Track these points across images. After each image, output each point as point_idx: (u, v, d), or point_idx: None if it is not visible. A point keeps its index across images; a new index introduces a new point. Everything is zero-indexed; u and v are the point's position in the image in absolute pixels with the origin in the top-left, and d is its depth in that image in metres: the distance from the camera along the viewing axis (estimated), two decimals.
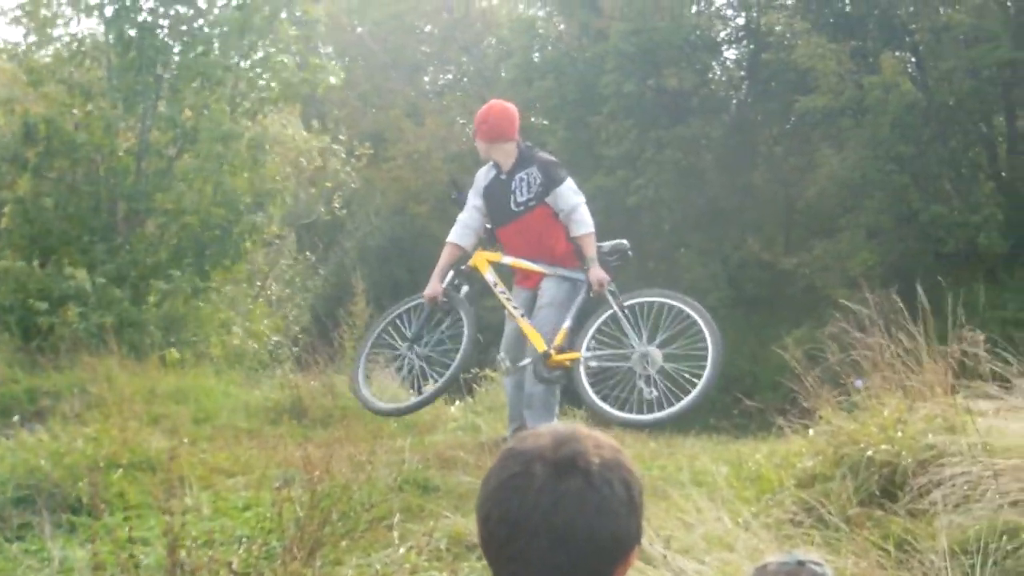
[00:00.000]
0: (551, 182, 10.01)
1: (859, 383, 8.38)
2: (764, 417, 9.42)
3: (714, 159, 41.39)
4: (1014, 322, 11.13)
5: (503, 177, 10.19)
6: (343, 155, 30.11)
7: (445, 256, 10.48)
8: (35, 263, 18.12)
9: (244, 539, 7.42)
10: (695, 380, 9.50)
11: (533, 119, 41.12)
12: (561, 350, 9.86)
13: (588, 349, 9.85)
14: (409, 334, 10.63)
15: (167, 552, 5.83)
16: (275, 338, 22.78)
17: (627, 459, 2.57)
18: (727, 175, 40.73)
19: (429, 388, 10.64)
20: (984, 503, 6.46)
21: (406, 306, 10.84)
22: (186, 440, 10.07)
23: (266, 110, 20.73)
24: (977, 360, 7.74)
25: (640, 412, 9.66)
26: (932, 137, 36.45)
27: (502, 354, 10.26)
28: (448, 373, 10.31)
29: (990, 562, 5.87)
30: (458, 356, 10.22)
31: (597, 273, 9.83)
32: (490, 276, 10.30)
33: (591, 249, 9.89)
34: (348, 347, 14.64)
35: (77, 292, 17.22)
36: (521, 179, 10.07)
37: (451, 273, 10.46)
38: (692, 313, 9.81)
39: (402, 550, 7.21)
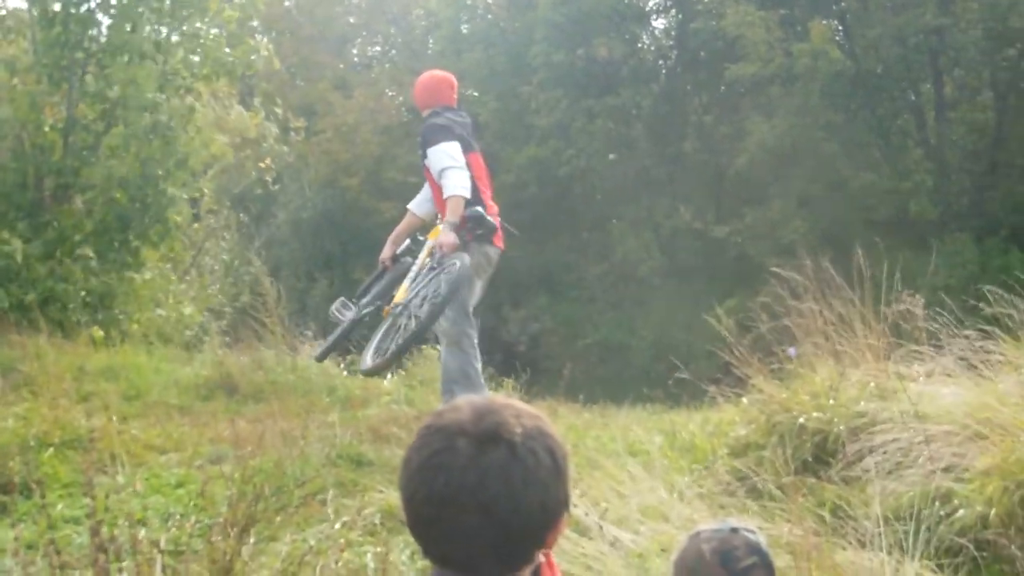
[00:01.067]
0: (424, 144, 9.96)
1: (792, 351, 8.40)
2: (697, 387, 9.43)
3: (644, 128, 41.51)
4: (944, 288, 11.20)
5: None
6: (276, 130, 30.00)
7: (402, 223, 10.56)
8: None
9: (176, 516, 7.36)
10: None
11: (464, 91, 40.95)
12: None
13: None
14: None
15: (91, 532, 5.76)
16: (202, 316, 22.64)
17: (548, 425, 2.55)
18: (658, 144, 40.87)
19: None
20: (916, 469, 6.49)
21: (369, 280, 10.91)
22: (116, 418, 10.00)
23: (196, 87, 20.53)
24: (914, 322, 7.77)
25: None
26: (860, 105, 36.74)
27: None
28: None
29: (923, 528, 5.89)
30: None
31: (443, 236, 9.67)
32: (431, 241, 10.24)
33: (452, 213, 9.78)
34: (269, 324, 14.52)
35: (4, 266, 17.03)
36: (419, 142, 10.11)
37: (408, 241, 10.46)
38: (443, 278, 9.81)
39: (336, 525, 7.17)
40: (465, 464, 2.40)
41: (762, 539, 3.60)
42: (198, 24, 20.09)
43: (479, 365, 10.05)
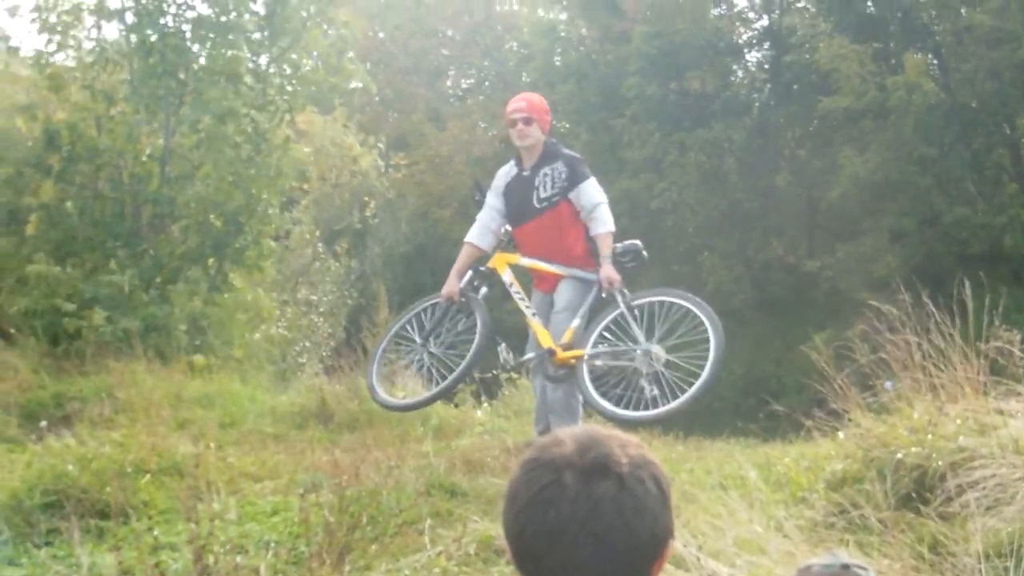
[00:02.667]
0: (576, 177, 9.95)
1: (889, 385, 8.34)
2: (791, 420, 9.37)
3: (737, 162, 41.42)
4: None
5: (526, 173, 10.11)
6: (381, 166, 30.27)
7: (463, 256, 10.47)
8: (63, 268, 18.10)
9: (272, 544, 7.42)
10: (697, 374, 9.47)
11: (555, 123, 41.03)
12: (568, 348, 9.83)
13: (593, 347, 9.82)
14: (424, 332, 10.64)
15: (194, 558, 5.82)
16: (304, 343, 22.79)
17: (651, 454, 2.54)
18: (750, 178, 40.76)
19: (438, 386, 10.60)
20: (1016, 505, 6.43)
21: (423, 305, 10.87)
22: (213, 445, 10.08)
23: (293, 114, 20.71)
24: (1011, 359, 7.70)
25: (640, 409, 9.59)
26: (955, 139, 36.43)
27: (503, 344, 10.27)
28: (457, 371, 10.27)
29: (1023, 564, 5.84)
30: (468, 355, 10.19)
31: (608, 272, 9.75)
32: (506, 276, 10.27)
33: (607, 248, 9.83)
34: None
35: (108, 295, 17.24)
36: (545, 174, 10.02)
37: (470, 273, 10.44)
38: (694, 309, 9.77)
39: (431, 555, 7.20)
40: (575, 497, 2.38)
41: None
42: (294, 55, 20.28)
43: (582, 399, 10.07)
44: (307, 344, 23.35)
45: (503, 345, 10.30)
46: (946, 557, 6.17)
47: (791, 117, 41.91)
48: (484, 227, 10.39)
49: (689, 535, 6.61)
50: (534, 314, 10.09)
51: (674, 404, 9.39)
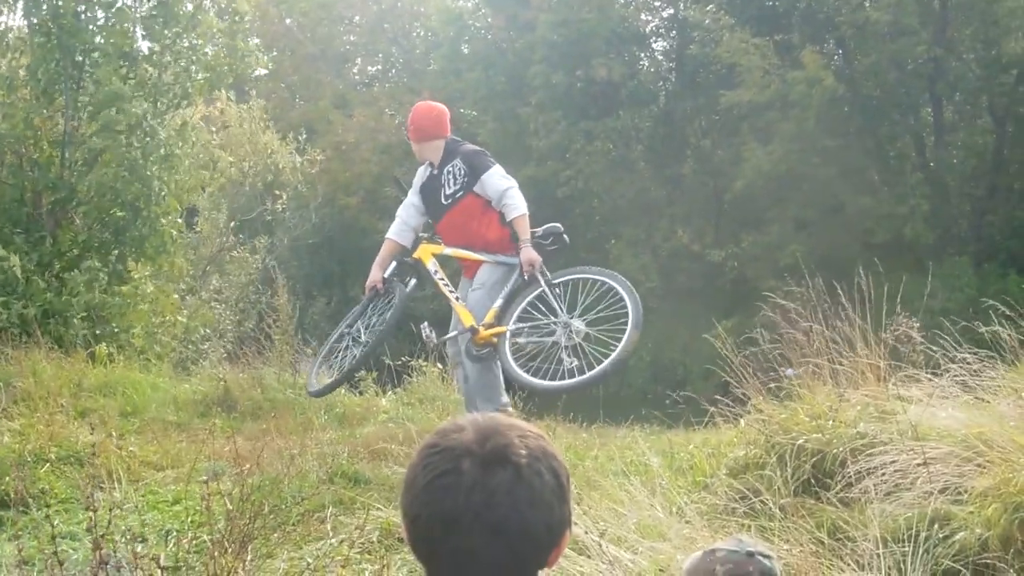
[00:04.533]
0: (475, 171, 10.05)
1: (791, 371, 8.39)
2: (696, 407, 9.42)
3: (644, 150, 41.64)
4: (942, 311, 11.21)
5: (435, 172, 10.24)
6: (298, 161, 30.21)
7: (383, 250, 10.59)
8: None
9: (173, 533, 7.36)
10: (615, 347, 9.54)
11: (462, 110, 41.21)
12: (489, 327, 9.89)
13: (515, 323, 9.88)
14: (352, 321, 10.69)
15: (93, 547, 5.75)
16: (206, 330, 22.65)
17: (551, 445, 2.54)
18: (656, 166, 40.98)
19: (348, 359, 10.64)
20: (914, 491, 6.48)
21: (355, 309, 10.91)
22: (114, 434, 9.98)
23: (191, 99, 20.57)
24: (912, 346, 7.78)
25: (559, 379, 9.66)
26: (859, 129, 36.83)
27: (425, 323, 10.34)
28: (366, 348, 10.35)
29: (921, 550, 5.89)
30: (377, 332, 10.27)
31: (528, 254, 9.83)
32: (431, 265, 10.36)
33: (525, 231, 9.92)
34: (276, 340, 14.53)
35: (3, 281, 17.03)
36: (448, 172, 10.13)
37: (394, 264, 10.54)
38: (614, 284, 9.86)
39: (334, 542, 7.17)
40: (471, 485, 2.39)
41: (777, 566, 3.59)
42: (192, 39, 20.16)
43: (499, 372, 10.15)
44: (209, 332, 23.17)
45: (425, 324, 10.37)
46: (845, 542, 6.22)
47: (697, 107, 42.12)
48: (403, 223, 10.52)
49: (591, 521, 6.62)
50: (457, 298, 10.16)
51: (591, 374, 9.47)
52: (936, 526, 6.10)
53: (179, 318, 20.52)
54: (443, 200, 10.15)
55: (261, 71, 21.84)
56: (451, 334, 10.20)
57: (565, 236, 10.24)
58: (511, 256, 10.06)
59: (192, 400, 13.07)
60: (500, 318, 9.91)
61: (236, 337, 22.80)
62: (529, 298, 9.96)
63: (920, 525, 6.04)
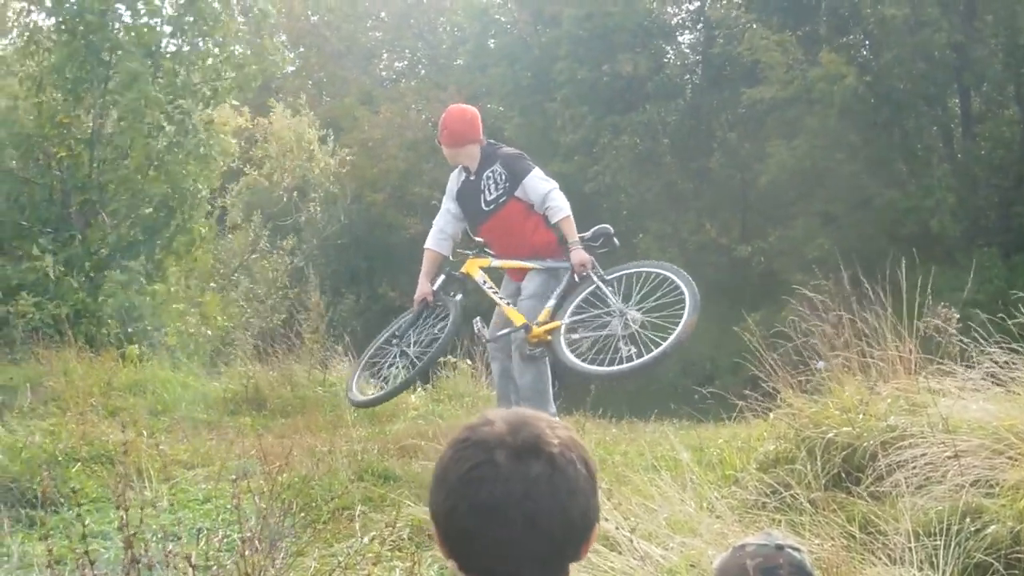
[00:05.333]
0: (517, 175, 10.01)
1: (820, 365, 8.36)
2: (725, 401, 9.39)
3: (670, 144, 41.57)
4: (972, 303, 11.16)
5: (472, 178, 10.14)
6: (332, 163, 30.33)
7: (425, 261, 10.42)
8: None
9: (204, 531, 7.37)
10: (672, 328, 9.55)
11: (488, 106, 41.19)
12: (542, 324, 9.89)
13: (568, 317, 9.89)
14: (399, 333, 10.63)
15: (124, 546, 5.76)
16: (237, 330, 22.73)
17: (579, 438, 2.54)
18: (683, 160, 40.92)
19: (401, 378, 10.60)
20: (946, 484, 6.45)
21: (402, 320, 10.84)
22: (144, 433, 10.02)
23: (219, 99, 20.64)
24: (947, 337, 7.74)
25: (617, 364, 9.63)
26: (886, 121, 36.65)
27: (478, 319, 10.26)
28: (423, 361, 10.30)
29: (953, 543, 5.86)
30: (435, 345, 10.22)
31: (579, 255, 9.83)
32: (479, 277, 10.30)
33: (573, 232, 9.93)
34: (306, 338, 14.55)
35: (35, 280, 17.11)
36: (488, 177, 10.05)
37: (443, 277, 10.47)
38: (669, 274, 9.88)
39: (365, 540, 7.16)
40: (508, 476, 2.39)
41: (807, 559, 3.58)
42: (215, 39, 20.24)
43: (550, 380, 10.15)
44: (240, 332, 23.25)
45: (478, 319, 10.30)
46: (876, 536, 6.18)
47: (722, 101, 42.06)
48: (441, 232, 10.38)
49: (622, 517, 6.60)
50: (508, 303, 10.12)
51: (648, 356, 9.46)
52: (968, 519, 6.06)
53: (218, 317, 20.60)
54: (483, 206, 10.08)
55: (288, 68, 21.91)
56: (505, 330, 10.13)
57: (615, 238, 10.23)
58: (559, 260, 10.05)
59: (222, 398, 13.12)
60: (553, 316, 9.93)
61: (261, 332, 22.85)
62: (583, 295, 9.96)
63: (952, 518, 6.01)
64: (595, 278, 9.86)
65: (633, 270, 10.09)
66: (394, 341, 10.63)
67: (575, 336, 9.88)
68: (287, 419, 11.89)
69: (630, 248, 38.46)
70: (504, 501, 2.37)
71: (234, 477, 6.78)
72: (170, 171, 18.90)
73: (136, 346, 16.11)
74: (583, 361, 9.70)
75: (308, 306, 15.27)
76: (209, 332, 20.28)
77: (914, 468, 6.66)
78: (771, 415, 8.40)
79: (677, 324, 9.48)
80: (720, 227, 40.66)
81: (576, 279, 9.91)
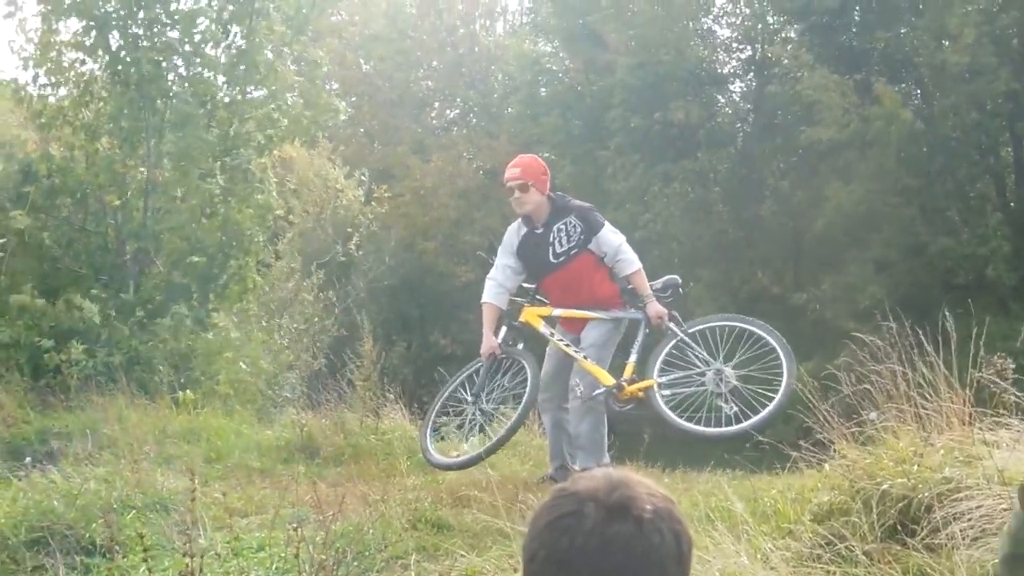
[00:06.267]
0: (592, 228, 10.12)
1: (873, 415, 8.33)
2: (778, 451, 9.38)
3: (722, 192, 41.61)
4: None
5: (539, 231, 10.17)
6: (362, 197, 30.39)
7: (487, 315, 10.45)
8: (48, 301, 18.10)
9: None
10: (770, 394, 9.63)
11: (541, 154, 41.14)
12: (631, 382, 9.98)
13: (660, 375, 10.01)
14: (474, 391, 10.61)
15: None
16: (287, 376, 22.77)
17: (679, 511, 2.55)
18: (735, 208, 40.91)
19: (491, 439, 10.58)
20: (1002, 536, 6.42)
21: (471, 369, 10.84)
22: (198, 480, 10.08)
23: (272, 146, 20.77)
24: (1002, 388, 7.70)
25: (725, 425, 9.85)
26: (939, 170, 36.59)
27: (576, 380, 10.22)
28: (512, 420, 10.32)
29: None
30: (523, 402, 10.21)
31: (655, 308, 10.04)
32: (544, 328, 10.35)
33: (645, 286, 10.15)
34: (358, 385, 14.59)
35: (85, 328, 17.25)
36: (559, 229, 10.09)
37: (504, 329, 10.51)
38: (750, 327, 10.14)
39: None
40: (590, 530, 2.40)
41: None
42: (268, 88, 20.41)
43: (606, 431, 10.19)
44: (290, 378, 23.29)
45: (576, 381, 10.27)
46: None
47: (775, 148, 42.07)
48: (499, 286, 10.41)
49: None
50: (586, 356, 10.14)
51: (758, 416, 9.70)
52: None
53: (263, 363, 20.65)
54: (552, 258, 10.14)
55: (342, 117, 22.03)
56: (599, 390, 10.09)
57: (681, 288, 10.34)
58: (622, 311, 10.18)
59: (275, 446, 13.16)
60: (641, 372, 10.02)
61: (307, 377, 22.87)
62: (667, 349, 10.11)
63: None
64: (679, 331, 9.94)
65: (715, 324, 10.19)
66: (470, 398, 10.60)
67: (667, 393, 9.95)
68: (340, 467, 11.92)
69: (682, 297, 38.40)
70: (580, 554, 2.38)
71: (293, 525, 6.82)
72: (225, 218, 19.03)
73: (191, 392, 16.18)
74: (687, 419, 9.82)
75: (361, 353, 15.29)
76: (258, 377, 20.32)
77: (970, 520, 6.62)
78: (825, 466, 8.37)
79: (777, 379, 9.61)
80: (772, 275, 40.56)
81: (649, 331, 10.02)
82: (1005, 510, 6.52)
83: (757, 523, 7.91)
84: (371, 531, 8.09)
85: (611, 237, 10.12)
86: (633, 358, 10.11)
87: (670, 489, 10.09)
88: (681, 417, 9.90)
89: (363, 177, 32.04)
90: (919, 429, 7.83)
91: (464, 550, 7.99)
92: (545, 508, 2.51)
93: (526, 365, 10.24)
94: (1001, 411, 7.66)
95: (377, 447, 12.62)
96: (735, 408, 9.73)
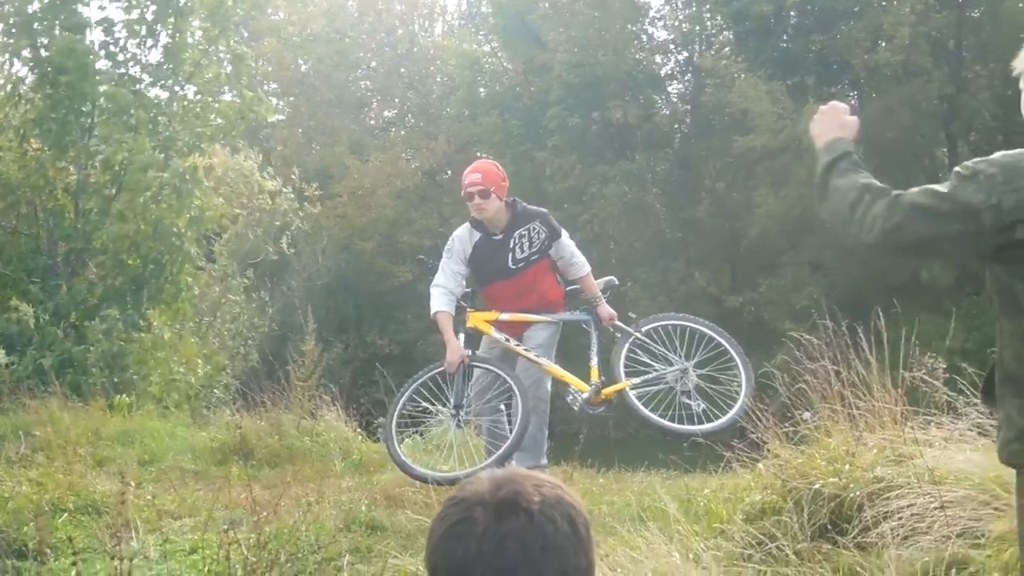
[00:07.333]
0: (554, 235, 10.27)
1: (807, 415, 8.37)
2: (713, 451, 9.42)
3: (659, 193, 41.76)
4: (961, 352, 11.22)
5: (498, 237, 10.15)
6: (292, 196, 30.21)
7: (445, 323, 10.22)
8: None
9: None
10: (733, 392, 9.82)
11: (479, 154, 41.32)
12: (604, 384, 10.12)
13: (627, 376, 10.15)
14: (450, 401, 10.43)
15: None
16: (220, 379, 22.66)
17: (570, 495, 2.53)
18: (672, 209, 41.08)
19: (492, 454, 10.42)
20: (932, 535, 6.46)
21: (426, 375, 10.67)
22: (132, 483, 10.00)
23: (204, 147, 20.61)
24: (933, 388, 7.76)
25: (706, 422, 10.05)
26: (874, 171, 36.37)
27: (573, 388, 10.25)
28: (512, 437, 10.15)
29: None
30: (519, 417, 10.03)
31: (606, 309, 10.37)
32: (497, 333, 10.30)
33: (595, 287, 10.44)
34: (298, 386, 14.51)
35: (19, 331, 17.11)
36: (521, 235, 10.12)
37: (462, 335, 10.36)
38: (709, 332, 10.49)
39: None
40: (482, 532, 2.39)
41: None
42: (195, 87, 20.32)
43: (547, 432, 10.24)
44: (224, 379, 23.18)
45: (572, 387, 10.30)
46: None
47: (711, 150, 42.28)
48: (450, 293, 10.27)
49: (608, 568, 6.61)
50: (548, 362, 10.25)
51: (733, 413, 9.92)
52: (954, 571, 6.07)
53: (197, 365, 20.53)
54: (510, 264, 10.18)
55: (278, 117, 21.93)
56: (585, 395, 10.14)
57: (618, 285, 10.84)
58: (567, 313, 10.48)
59: (209, 448, 13.11)
60: (606, 374, 10.21)
61: (242, 378, 22.75)
62: (626, 348, 10.30)
63: (938, 570, 6.01)
64: (632, 331, 10.04)
65: (668, 322, 10.38)
66: (447, 409, 10.48)
67: (638, 392, 10.07)
68: (274, 469, 11.88)
69: (619, 297, 38.48)
70: (476, 558, 2.37)
71: (225, 527, 6.79)
72: (158, 219, 18.90)
73: (125, 396, 16.07)
74: (661, 416, 9.95)
75: (303, 352, 15.20)
76: (192, 379, 20.20)
77: (900, 519, 6.66)
78: (758, 466, 8.41)
79: (733, 375, 9.78)
80: (709, 276, 40.79)
81: (599, 332, 10.14)
82: (935, 509, 6.56)
83: (689, 523, 7.93)
84: (304, 533, 8.05)
85: (569, 242, 10.36)
86: (594, 361, 10.23)
87: (604, 489, 10.17)
88: (657, 414, 9.99)
89: (293, 176, 31.83)
90: (852, 428, 7.89)
91: (397, 551, 7.98)
92: (437, 519, 2.51)
93: (508, 378, 10.17)
94: (932, 410, 7.72)
95: (312, 449, 12.59)
96: (702, 405, 9.85)
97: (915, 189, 4.10)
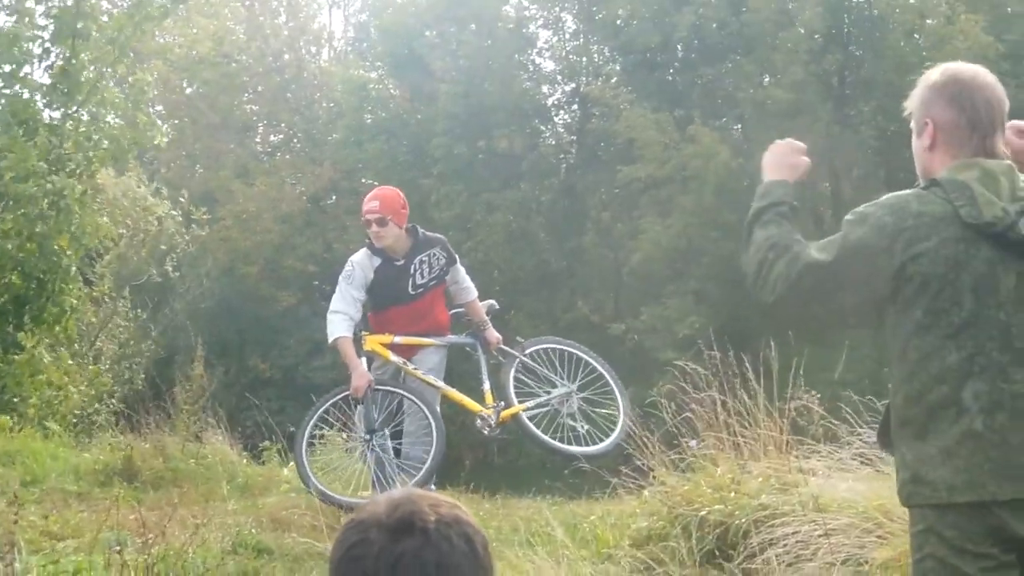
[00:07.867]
0: (451, 260, 10.42)
1: (693, 443, 8.47)
2: (598, 478, 9.50)
3: (544, 222, 41.84)
4: (842, 383, 11.38)
5: (399, 263, 10.15)
6: (179, 218, 29.97)
7: (347, 349, 10.10)
8: None
9: None
10: (611, 412, 10.00)
11: (364, 180, 41.29)
12: (500, 408, 10.22)
13: (519, 399, 10.33)
14: (360, 426, 10.40)
15: None
16: (103, 399, 22.42)
17: (467, 515, 2.54)
18: (557, 239, 41.21)
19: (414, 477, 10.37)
20: (817, 561, 6.56)
21: (333, 399, 10.62)
22: (15, 503, 9.89)
23: (93, 168, 20.40)
24: (811, 419, 7.89)
25: (592, 443, 10.18)
26: None
27: (483, 413, 10.28)
28: (430, 461, 10.08)
29: None
30: (435, 443, 10.02)
31: (493, 334, 10.57)
32: (395, 357, 10.29)
33: (481, 312, 10.63)
34: (184, 409, 14.41)
35: None
36: (422, 262, 10.17)
37: (364, 359, 10.31)
38: (586, 357, 10.86)
39: None
40: (378, 554, 2.39)
41: None
42: (89, 109, 20.12)
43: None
44: (107, 401, 22.94)
45: (483, 413, 10.32)
46: None
47: (596, 180, 42.42)
48: (350, 319, 10.17)
49: None
50: (450, 385, 10.35)
51: (616, 435, 10.08)
52: None
53: (72, 388, 20.27)
54: (410, 290, 10.21)
55: (163, 139, 21.69)
56: (491, 417, 10.21)
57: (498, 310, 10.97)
58: (455, 337, 10.64)
59: (93, 469, 12.95)
60: (500, 397, 10.33)
61: (127, 400, 22.53)
62: (513, 371, 10.47)
63: None
64: (517, 353, 10.20)
65: (548, 345, 10.60)
66: (361, 434, 10.41)
67: (531, 414, 10.21)
68: (159, 491, 11.79)
69: (502, 323, 38.49)
70: None
71: (116, 549, 6.74)
72: (43, 239, 18.67)
73: (7, 417, 15.87)
74: (557, 439, 10.09)
75: (190, 376, 15.10)
76: (69, 404, 19.96)
77: (785, 546, 6.76)
78: (644, 492, 8.48)
79: (611, 400, 9.98)
80: (593, 305, 40.89)
81: (486, 355, 10.30)
82: (820, 536, 6.67)
83: (577, 548, 8.00)
84: (192, 555, 8.01)
85: (463, 269, 10.59)
86: (487, 384, 10.38)
87: (491, 514, 10.20)
88: (549, 436, 10.13)
89: (182, 199, 31.62)
90: (737, 456, 7.99)
91: (283, 574, 7.97)
92: (336, 544, 2.51)
93: (417, 402, 10.17)
94: (813, 441, 7.86)
95: (197, 471, 12.52)
96: (587, 426, 9.99)
97: (813, 244, 4.21)
